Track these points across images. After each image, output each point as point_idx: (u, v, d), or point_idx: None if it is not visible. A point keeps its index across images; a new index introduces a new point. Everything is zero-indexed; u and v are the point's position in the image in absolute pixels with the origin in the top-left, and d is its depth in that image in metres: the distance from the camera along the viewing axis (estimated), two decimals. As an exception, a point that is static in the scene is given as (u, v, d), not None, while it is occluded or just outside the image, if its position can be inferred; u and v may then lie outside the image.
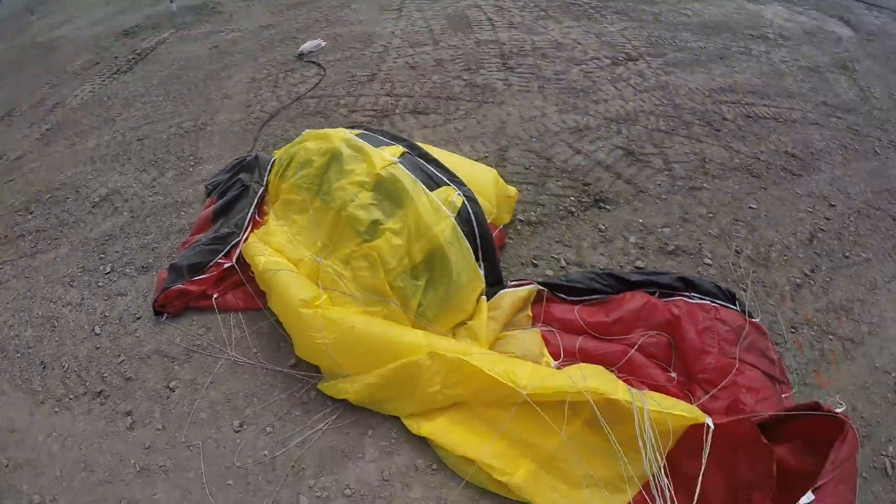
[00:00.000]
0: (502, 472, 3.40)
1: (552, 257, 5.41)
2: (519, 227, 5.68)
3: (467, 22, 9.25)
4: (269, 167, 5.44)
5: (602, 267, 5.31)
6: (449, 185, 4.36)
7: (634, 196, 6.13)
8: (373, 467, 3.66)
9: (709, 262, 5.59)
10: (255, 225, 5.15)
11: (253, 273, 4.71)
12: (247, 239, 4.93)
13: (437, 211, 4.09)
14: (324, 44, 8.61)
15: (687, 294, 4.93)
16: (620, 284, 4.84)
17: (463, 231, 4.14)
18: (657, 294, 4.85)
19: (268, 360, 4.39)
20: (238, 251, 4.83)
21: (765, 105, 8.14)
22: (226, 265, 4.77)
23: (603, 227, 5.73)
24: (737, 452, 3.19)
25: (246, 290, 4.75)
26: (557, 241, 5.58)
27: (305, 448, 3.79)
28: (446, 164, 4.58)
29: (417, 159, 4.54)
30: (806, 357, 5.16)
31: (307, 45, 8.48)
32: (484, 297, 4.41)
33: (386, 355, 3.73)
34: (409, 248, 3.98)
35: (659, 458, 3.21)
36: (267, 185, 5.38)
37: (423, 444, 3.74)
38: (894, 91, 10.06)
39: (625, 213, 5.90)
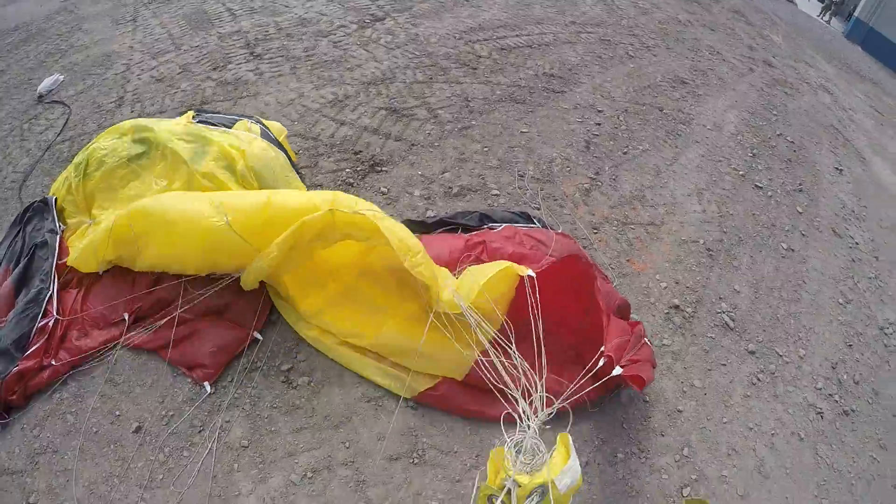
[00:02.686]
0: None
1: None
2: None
3: (207, 18, 8.71)
4: (54, 203, 5.10)
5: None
6: (240, 119, 5.16)
7: (408, 151, 6.07)
8: (253, 500, 3.58)
9: (496, 192, 5.65)
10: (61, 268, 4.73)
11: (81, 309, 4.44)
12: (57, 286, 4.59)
13: (243, 139, 4.79)
14: (62, 77, 7.69)
15: (487, 226, 4.98)
16: (419, 227, 4.93)
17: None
18: (459, 231, 4.92)
19: (112, 430, 3.91)
20: (55, 304, 4.47)
21: (516, 36, 8.52)
22: (51, 321, 4.38)
23: (385, 189, 5.59)
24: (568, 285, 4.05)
25: (71, 339, 4.37)
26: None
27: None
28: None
29: (206, 114, 5.32)
30: (615, 251, 5.36)
31: (45, 84, 7.52)
32: None
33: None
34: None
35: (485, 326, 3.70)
36: (60, 215, 5.08)
37: (290, 458, 3.78)
38: (638, 1, 11.02)
39: (403, 170, 5.80)
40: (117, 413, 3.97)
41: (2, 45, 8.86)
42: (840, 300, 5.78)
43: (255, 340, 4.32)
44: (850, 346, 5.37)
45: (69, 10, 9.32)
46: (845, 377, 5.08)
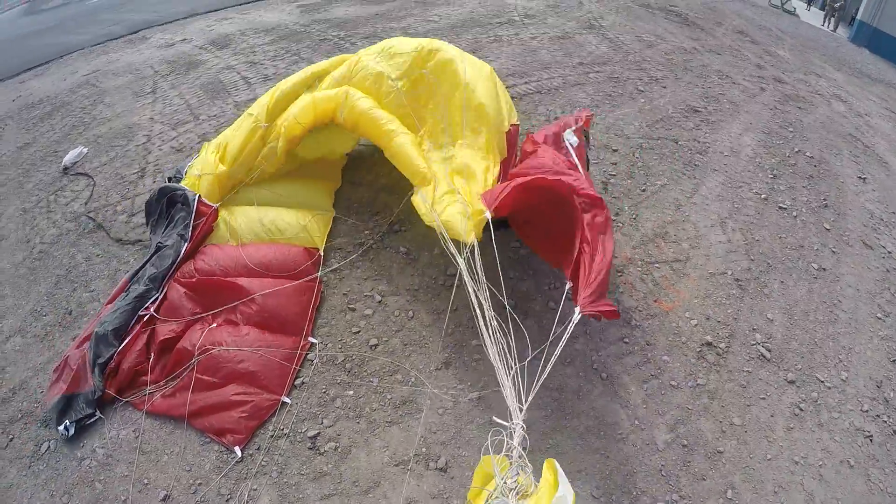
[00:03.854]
0: None
1: (366, 296, 5.20)
2: (324, 279, 5.33)
3: (223, 87, 8.94)
4: (196, 202, 5.39)
5: (416, 287, 5.19)
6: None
7: (426, 208, 6.00)
8: None
9: (516, 244, 5.55)
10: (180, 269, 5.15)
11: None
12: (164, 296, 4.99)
13: None
14: (86, 150, 7.94)
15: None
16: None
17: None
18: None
19: (140, 499, 3.92)
20: (154, 308, 4.89)
21: (525, 83, 8.54)
22: (145, 315, 4.82)
23: (405, 249, 5.60)
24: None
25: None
26: (366, 279, 5.35)
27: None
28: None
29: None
30: (641, 292, 5.23)
31: (69, 157, 7.78)
32: None
33: None
34: None
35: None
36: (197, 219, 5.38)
37: None
38: (642, 35, 11.04)
39: (421, 228, 5.67)
40: (145, 481, 4.00)
41: (28, 118, 9.18)
42: (878, 314, 5.55)
43: (284, 405, 4.37)
44: (895, 361, 5.13)
45: (91, 83, 9.64)
46: (892, 395, 4.85)
